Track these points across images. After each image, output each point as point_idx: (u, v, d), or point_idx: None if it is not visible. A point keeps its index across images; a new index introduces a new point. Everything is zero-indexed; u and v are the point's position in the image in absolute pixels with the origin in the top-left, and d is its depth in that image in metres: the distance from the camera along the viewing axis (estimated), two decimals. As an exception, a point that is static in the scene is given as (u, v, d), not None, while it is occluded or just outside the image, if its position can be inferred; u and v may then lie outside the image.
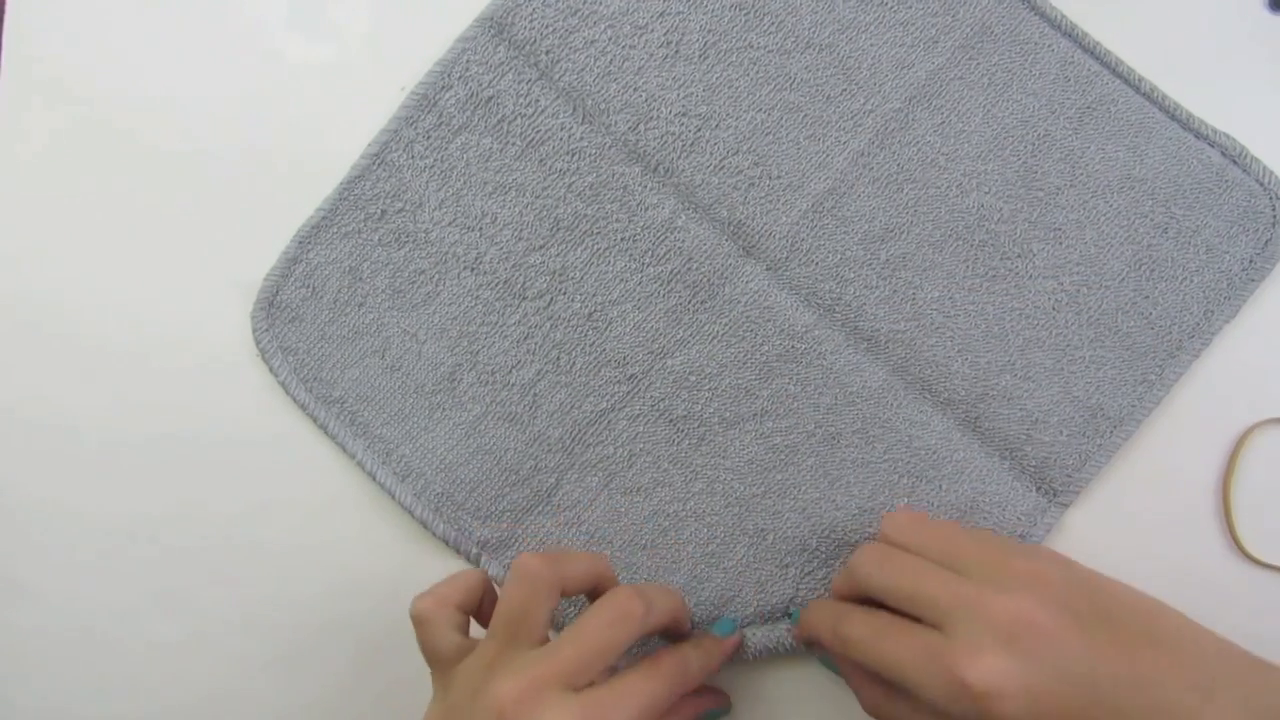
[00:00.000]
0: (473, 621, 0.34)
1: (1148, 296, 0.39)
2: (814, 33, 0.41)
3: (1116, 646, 0.29)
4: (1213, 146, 0.39)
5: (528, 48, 0.41)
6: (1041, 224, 0.39)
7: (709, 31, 0.41)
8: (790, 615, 0.38)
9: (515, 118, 0.41)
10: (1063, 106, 0.40)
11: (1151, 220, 0.39)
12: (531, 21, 0.41)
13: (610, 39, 0.41)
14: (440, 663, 0.32)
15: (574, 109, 0.41)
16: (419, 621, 0.33)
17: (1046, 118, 0.40)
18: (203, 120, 0.43)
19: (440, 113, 0.41)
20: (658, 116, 0.41)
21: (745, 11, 0.41)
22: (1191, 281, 0.39)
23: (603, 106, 0.41)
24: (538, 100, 0.41)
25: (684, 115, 0.41)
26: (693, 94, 0.41)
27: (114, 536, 0.41)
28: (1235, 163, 0.39)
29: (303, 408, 0.40)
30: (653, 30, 0.41)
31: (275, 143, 0.42)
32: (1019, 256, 0.39)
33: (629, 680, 0.30)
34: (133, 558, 0.41)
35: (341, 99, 0.42)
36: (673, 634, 0.36)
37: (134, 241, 0.42)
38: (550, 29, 0.41)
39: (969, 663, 0.28)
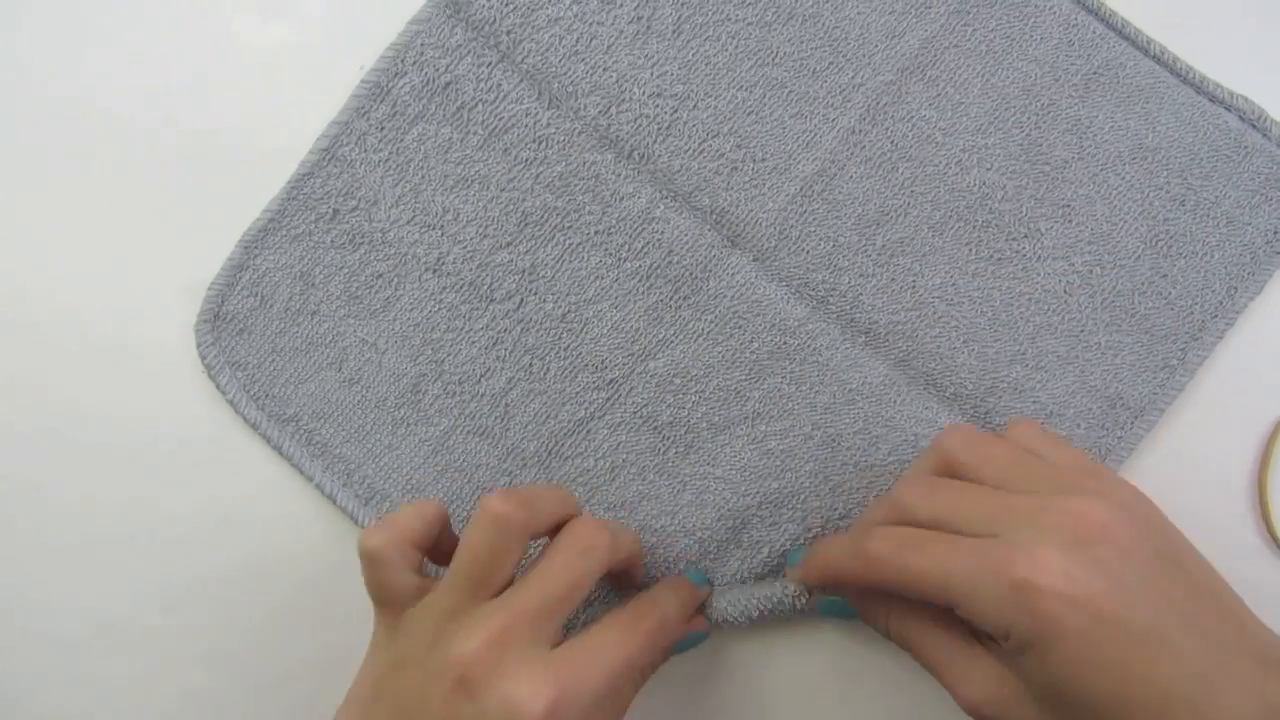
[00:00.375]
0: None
1: (1165, 275, 0.36)
2: (796, 3, 0.38)
3: (1188, 589, 0.26)
4: (1229, 110, 0.37)
5: (487, 28, 0.38)
6: (1048, 201, 0.36)
7: (683, 4, 0.38)
8: (788, 558, 0.35)
9: (476, 104, 0.38)
10: (1067, 73, 0.37)
11: (1167, 192, 0.36)
12: (490, 0, 0.38)
13: (576, 16, 0.38)
14: (391, 605, 0.29)
15: (539, 93, 0.38)
16: (372, 559, 0.29)
17: (1050, 86, 0.37)
18: (148, 108, 0.39)
19: (394, 102, 0.38)
20: (630, 98, 0.37)
21: (721, -19, 0.38)
22: (1212, 257, 0.36)
23: (570, 89, 0.38)
24: (500, 85, 0.38)
25: (658, 96, 0.37)
26: (667, 72, 0.37)
27: (56, 556, 0.38)
28: (1254, 127, 0.36)
29: (255, 427, 0.37)
30: (621, 5, 0.38)
31: (226, 129, 0.39)
32: (1025, 237, 0.36)
33: (606, 635, 0.28)
34: (77, 580, 0.37)
35: (297, 83, 0.39)
36: (626, 581, 0.33)
37: (71, 239, 0.39)
38: (511, 7, 0.38)
39: (1026, 559, 0.24)
